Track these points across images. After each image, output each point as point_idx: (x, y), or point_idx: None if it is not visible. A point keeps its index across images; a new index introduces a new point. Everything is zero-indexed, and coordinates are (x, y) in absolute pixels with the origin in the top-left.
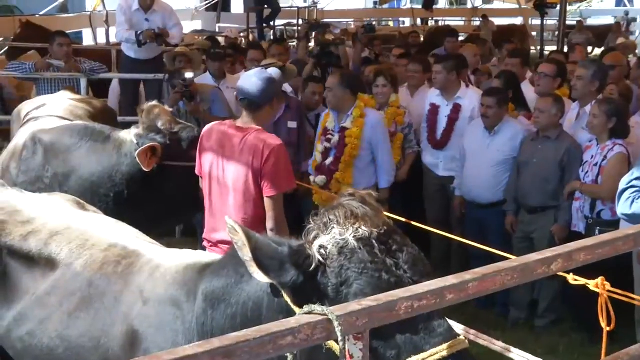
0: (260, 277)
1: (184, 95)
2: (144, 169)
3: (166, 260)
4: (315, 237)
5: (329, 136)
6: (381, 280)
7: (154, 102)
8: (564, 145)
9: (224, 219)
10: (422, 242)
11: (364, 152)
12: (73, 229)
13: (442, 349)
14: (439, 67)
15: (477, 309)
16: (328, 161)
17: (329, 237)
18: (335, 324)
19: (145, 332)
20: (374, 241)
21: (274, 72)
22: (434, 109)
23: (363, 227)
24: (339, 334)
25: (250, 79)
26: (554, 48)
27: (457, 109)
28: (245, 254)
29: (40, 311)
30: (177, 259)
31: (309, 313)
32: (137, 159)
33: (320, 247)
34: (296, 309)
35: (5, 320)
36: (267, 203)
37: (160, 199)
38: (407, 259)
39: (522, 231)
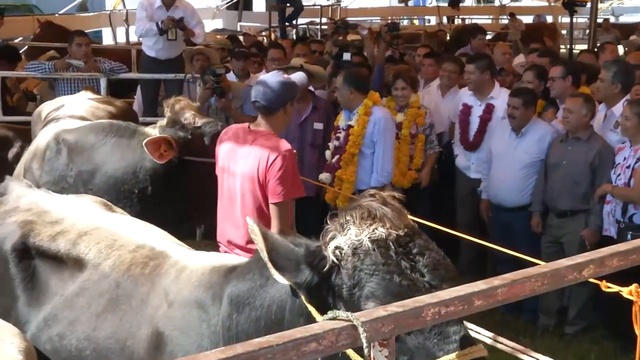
0: (278, 278)
1: (214, 92)
2: (155, 160)
3: (193, 262)
4: (332, 238)
5: (338, 134)
6: (392, 282)
7: (179, 97)
8: (595, 147)
9: (232, 222)
10: (451, 247)
11: (367, 150)
12: (101, 229)
13: (454, 357)
14: (472, 67)
15: (505, 315)
16: (334, 159)
17: (345, 238)
18: (360, 330)
19: (170, 334)
20: (390, 243)
21: (297, 76)
22: (467, 110)
23: (380, 229)
24: (364, 340)
25: (264, 82)
26: (585, 47)
27: (489, 109)
28: (264, 255)
29: (69, 312)
30: (203, 261)
31: (333, 319)
32: (145, 148)
33: (336, 248)
34: (312, 309)
35: (34, 321)
36: (272, 210)
37: (183, 197)
38: (428, 262)
39: (551, 235)
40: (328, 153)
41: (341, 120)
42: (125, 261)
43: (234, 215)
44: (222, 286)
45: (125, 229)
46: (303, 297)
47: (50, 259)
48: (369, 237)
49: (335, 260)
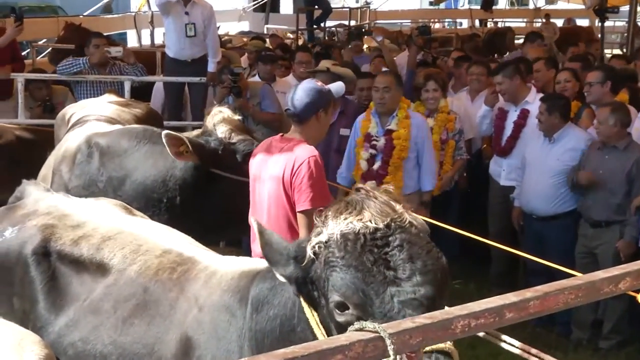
0: (274, 272)
1: (232, 91)
2: (170, 154)
3: (222, 267)
4: (318, 233)
5: (374, 142)
6: (348, 274)
7: (221, 107)
8: (632, 157)
9: None
10: (482, 257)
11: (411, 154)
12: (125, 234)
13: None
14: (499, 77)
15: (537, 328)
16: (376, 166)
17: (325, 233)
18: (388, 342)
19: (199, 339)
20: (362, 236)
21: (335, 86)
22: (502, 114)
23: (354, 222)
24: (391, 352)
25: (296, 90)
26: (618, 52)
27: (524, 114)
28: (256, 245)
29: (93, 317)
30: (233, 266)
31: (360, 330)
32: (164, 139)
33: (317, 242)
34: (304, 305)
35: (55, 326)
36: (299, 219)
37: (211, 210)
38: (405, 255)
39: (584, 246)
40: (364, 162)
41: (372, 127)
42: (152, 266)
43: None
44: (249, 289)
45: (149, 233)
46: (292, 291)
47: (73, 263)
48: (340, 231)
49: (312, 254)
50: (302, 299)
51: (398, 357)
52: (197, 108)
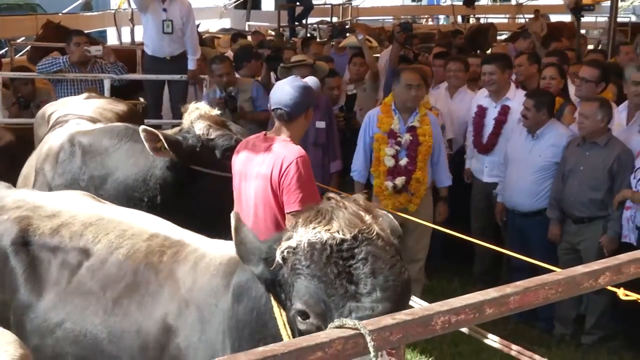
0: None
1: (227, 106)
2: (149, 150)
3: (212, 251)
4: (289, 237)
5: (399, 138)
6: (311, 284)
7: (198, 104)
8: (613, 152)
9: None
10: (465, 254)
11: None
12: (107, 220)
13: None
14: (492, 67)
15: (519, 324)
16: (403, 162)
17: (295, 238)
18: (368, 339)
19: (186, 320)
20: (328, 246)
21: (311, 81)
22: (481, 111)
23: (322, 232)
24: (371, 349)
25: (284, 88)
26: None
27: (505, 110)
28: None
29: (81, 299)
30: (222, 250)
31: (340, 327)
32: (141, 134)
33: (286, 247)
34: (273, 303)
35: (38, 310)
36: (288, 221)
37: (192, 209)
38: (368, 270)
39: (567, 242)
40: (389, 159)
41: (394, 124)
42: (140, 249)
43: (252, 226)
44: (233, 276)
45: (131, 219)
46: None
47: (54, 250)
48: (308, 239)
49: (279, 259)
50: (272, 298)
51: (379, 354)
52: (177, 106)
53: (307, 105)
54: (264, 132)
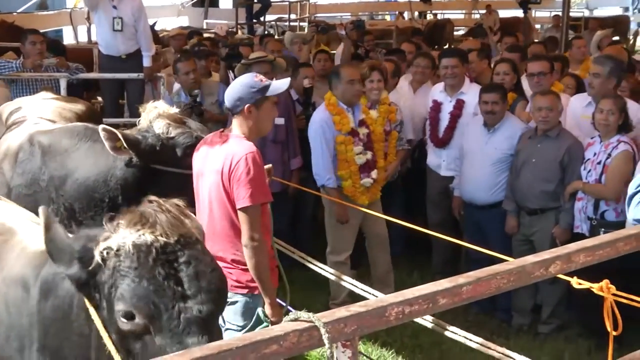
0: (55, 267)
1: (193, 111)
2: (109, 150)
3: (34, 241)
4: (106, 238)
5: (361, 135)
6: (139, 286)
7: (156, 102)
8: (564, 144)
9: (209, 232)
10: (424, 247)
11: None
12: None
13: None
14: (455, 60)
15: (479, 315)
16: (369, 156)
17: (114, 239)
18: (322, 331)
19: None
20: (154, 249)
21: (279, 82)
22: (437, 106)
23: (147, 234)
24: (326, 341)
25: (233, 84)
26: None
27: (460, 105)
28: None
29: None
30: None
31: (295, 320)
32: (101, 133)
33: (106, 247)
34: (86, 302)
35: None
36: (240, 217)
37: None
38: (190, 272)
39: (522, 234)
40: (361, 157)
41: (352, 122)
42: None
43: (208, 223)
44: (41, 269)
45: None
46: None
47: None
48: (132, 241)
49: (100, 259)
50: (85, 298)
51: (334, 345)
52: (135, 105)
53: (244, 102)
54: (221, 129)
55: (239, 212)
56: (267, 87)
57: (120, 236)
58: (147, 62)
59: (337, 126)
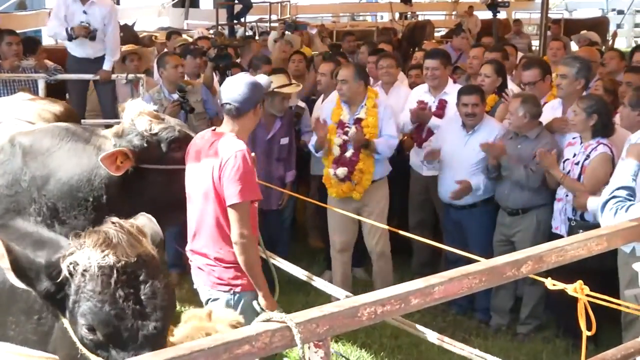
0: (18, 284)
1: (182, 108)
2: (112, 174)
3: None
4: (72, 254)
5: (346, 129)
6: (101, 311)
7: (134, 101)
8: (544, 145)
9: (196, 228)
10: (404, 248)
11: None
12: None
13: None
14: (436, 62)
15: (458, 316)
16: (348, 153)
17: (80, 257)
18: (295, 331)
19: None
20: (115, 271)
21: (262, 78)
22: (422, 106)
23: (110, 256)
24: (298, 341)
25: (234, 84)
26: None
27: (442, 105)
28: (3, 263)
29: None
30: None
31: (267, 320)
32: (102, 163)
33: (71, 263)
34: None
35: None
36: (230, 215)
37: (141, 205)
38: (147, 290)
39: (502, 234)
40: (336, 148)
41: (343, 115)
42: None
43: (200, 221)
44: None
45: None
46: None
47: None
48: (97, 263)
49: (67, 274)
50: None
51: (306, 346)
52: (107, 106)
53: (257, 101)
54: (213, 127)
55: (228, 209)
56: (267, 85)
57: (86, 256)
58: (107, 65)
59: (332, 115)
